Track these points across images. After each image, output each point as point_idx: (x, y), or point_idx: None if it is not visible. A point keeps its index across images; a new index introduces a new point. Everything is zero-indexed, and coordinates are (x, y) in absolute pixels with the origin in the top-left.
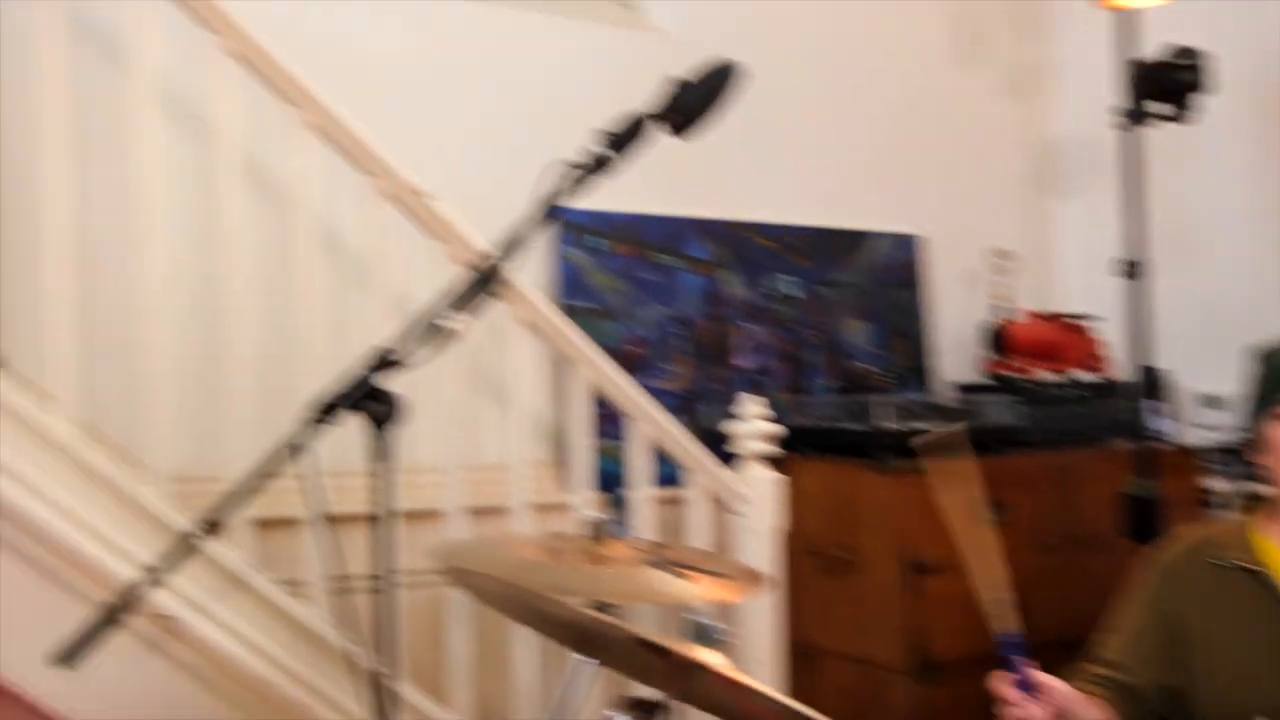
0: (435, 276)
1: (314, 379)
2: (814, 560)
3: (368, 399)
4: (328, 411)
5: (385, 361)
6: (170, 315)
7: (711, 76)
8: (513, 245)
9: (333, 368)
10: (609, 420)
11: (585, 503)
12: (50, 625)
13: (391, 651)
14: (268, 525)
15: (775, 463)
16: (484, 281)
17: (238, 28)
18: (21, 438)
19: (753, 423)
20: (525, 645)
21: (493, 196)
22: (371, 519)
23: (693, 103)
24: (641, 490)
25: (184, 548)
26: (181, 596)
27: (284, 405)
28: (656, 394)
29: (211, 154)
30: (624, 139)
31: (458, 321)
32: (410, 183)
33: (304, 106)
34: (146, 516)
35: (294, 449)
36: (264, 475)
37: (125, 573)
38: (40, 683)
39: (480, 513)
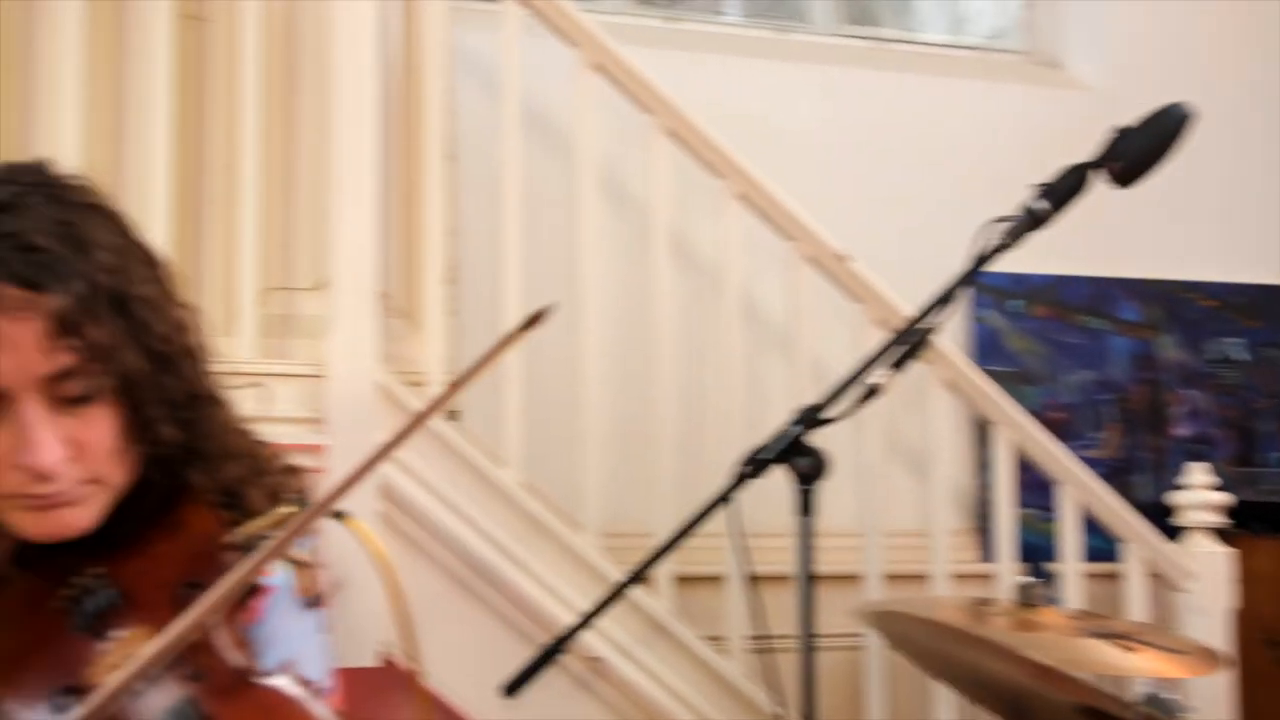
0: (848, 339)
1: (731, 442)
2: (1270, 650)
3: (795, 453)
4: (756, 464)
5: (812, 417)
6: (603, 380)
7: (1158, 120)
8: (940, 304)
9: (749, 432)
10: (1030, 489)
11: (1009, 571)
12: (495, 659)
13: (812, 711)
14: (691, 581)
15: (1223, 538)
16: (909, 340)
17: (671, 106)
18: (475, 487)
19: (1200, 493)
20: (945, 708)
21: (903, 261)
22: (795, 578)
23: (1138, 149)
24: (1070, 562)
25: (615, 596)
26: (610, 641)
27: (703, 466)
28: (1083, 463)
29: (641, 227)
30: (1062, 191)
31: (883, 378)
32: (832, 246)
33: (730, 177)
34: (582, 565)
35: (722, 501)
36: (691, 528)
37: (561, 616)
38: (486, 710)
39: (896, 579)
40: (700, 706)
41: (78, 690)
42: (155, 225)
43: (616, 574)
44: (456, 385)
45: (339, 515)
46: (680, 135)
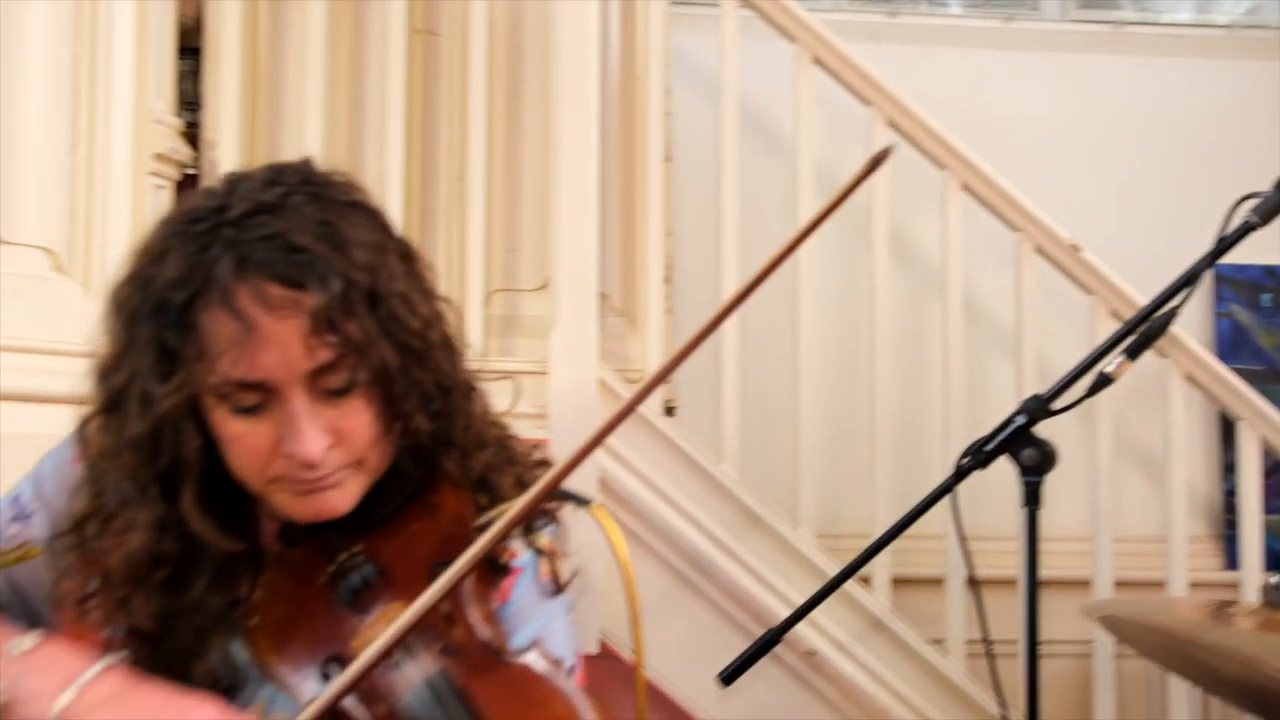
0: (1075, 336)
1: (950, 441)
2: None
3: (1020, 444)
4: (979, 455)
5: (1039, 407)
6: (819, 376)
7: None
8: (1181, 287)
9: (969, 431)
10: (1274, 495)
11: (1255, 578)
12: (711, 651)
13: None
14: (909, 583)
15: None
16: (1146, 327)
17: (892, 96)
18: (692, 481)
19: None
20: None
21: (1136, 253)
22: (1020, 581)
23: None
24: None
25: (833, 588)
26: (827, 636)
27: (921, 467)
28: None
29: (859, 221)
30: None
31: (1116, 366)
32: (1063, 236)
33: (953, 166)
34: (799, 560)
35: (944, 494)
36: (912, 520)
37: (778, 610)
38: (702, 701)
39: (1127, 586)
40: (918, 704)
41: (342, 660)
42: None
43: (834, 570)
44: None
45: (585, 503)
46: (901, 126)
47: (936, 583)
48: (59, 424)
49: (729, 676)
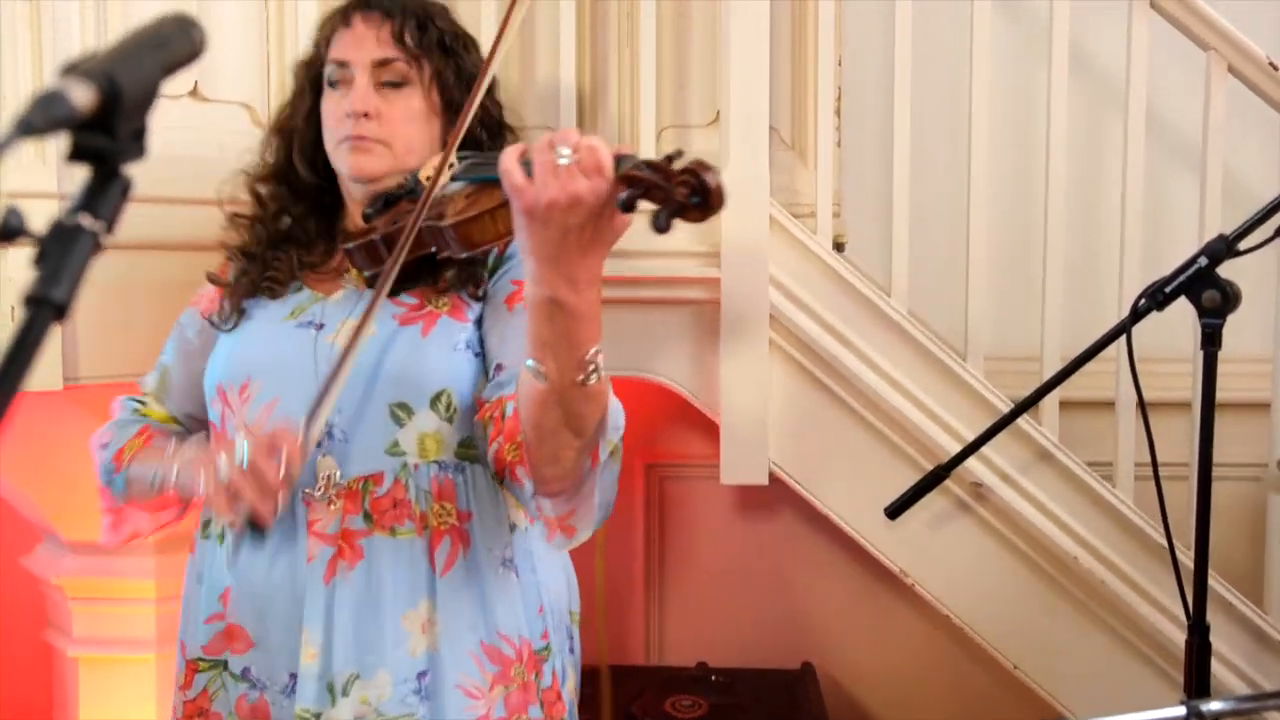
0: (1266, 162)
1: (1127, 267)
2: None
3: (1202, 285)
4: (1157, 298)
5: (1224, 249)
6: (990, 200)
7: None
8: None
9: (1147, 256)
10: None
11: None
12: (880, 483)
13: (1204, 544)
14: (1077, 406)
15: None
16: None
17: None
18: (862, 317)
19: None
20: None
21: None
22: (1194, 406)
23: None
24: None
25: (1001, 426)
26: (992, 466)
27: (1093, 291)
28: None
29: (1036, 33)
30: None
31: None
32: (1259, 54)
33: None
34: (968, 393)
35: (1119, 335)
36: (1084, 361)
37: (946, 442)
38: (870, 530)
39: None
40: (1084, 534)
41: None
42: (565, 67)
43: (1001, 402)
44: None
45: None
46: (1163, 6)
47: (1106, 406)
48: None
49: (896, 510)
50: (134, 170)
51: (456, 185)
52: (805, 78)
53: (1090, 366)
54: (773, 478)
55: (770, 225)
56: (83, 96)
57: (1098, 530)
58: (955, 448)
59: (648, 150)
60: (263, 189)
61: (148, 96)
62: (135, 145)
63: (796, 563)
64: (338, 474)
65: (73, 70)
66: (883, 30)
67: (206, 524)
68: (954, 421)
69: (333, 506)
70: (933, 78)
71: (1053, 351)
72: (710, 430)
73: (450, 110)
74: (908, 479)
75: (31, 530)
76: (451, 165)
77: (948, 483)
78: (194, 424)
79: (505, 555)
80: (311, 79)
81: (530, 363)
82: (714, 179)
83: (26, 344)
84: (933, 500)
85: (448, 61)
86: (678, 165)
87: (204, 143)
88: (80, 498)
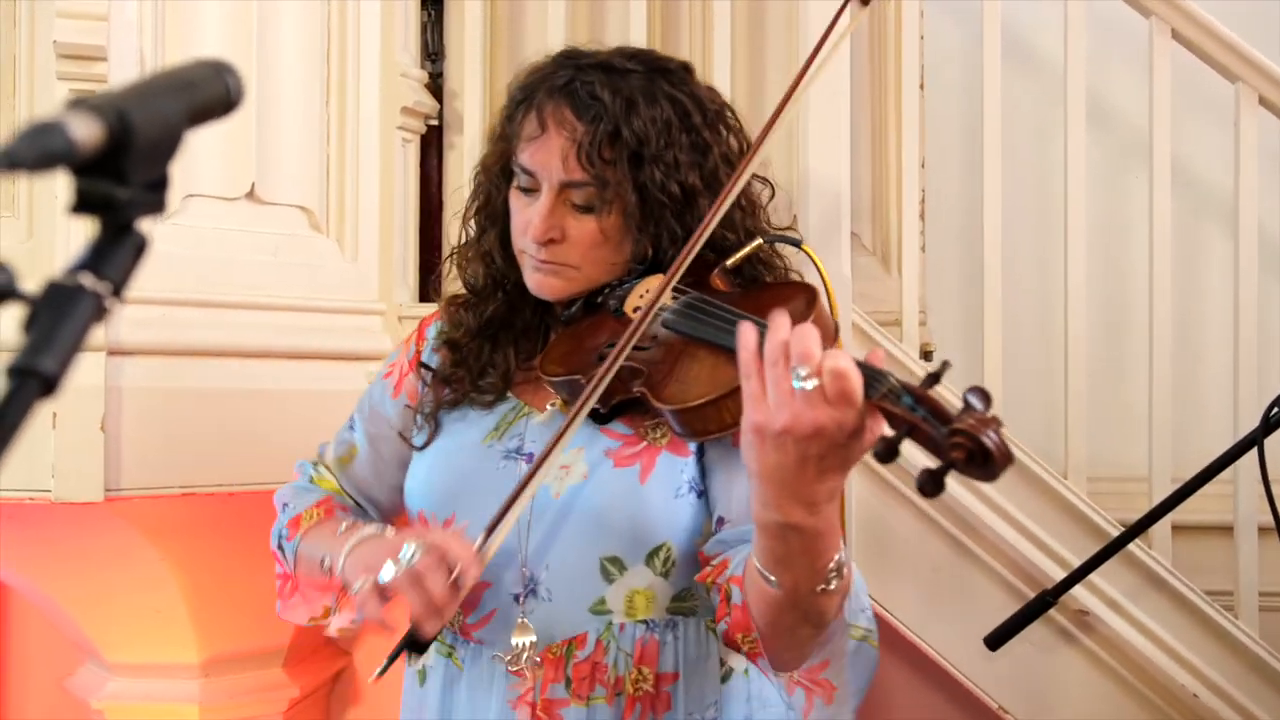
0: None
1: (1233, 373)
2: None
3: None
4: None
5: None
6: (1084, 310)
7: None
8: None
9: (1255, 361)
10: None
11: None
12: (976, 609)
13: None
14: (1189, 530)
15: None
16: None
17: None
18: None
19: None
20: None
21: None
22: None
23: None
24: None
25: (1113, 550)
26: (1099, 594)
27: (1196, 402)
28: None
29: (1129, 144)
30: None
31: None
32: None
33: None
34: (1070, 512)
35: (1249, 447)
36: (1211, 475)
37: (1045, 565)
38: (965, 661)
39: None
40: (1202, 668)
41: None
42: None
43: (1107, 523)
44: None
45: (797, 243)
46: (1186, 37)
47: (1222, 530)
48: (315, 379)
49: (996, 639)
50: (184, 273)
51: (666, 333)
52: (887, 180)
53: (1207, 488)
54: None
55: (853, 332)
56: (86, 131)
57: (1218, 664)
58: (1057, 572)
59: None
60: (473, 272)
61: (169, 142)
62: (152, 197)
63: (877, 698)
64: (535, 641)
65: (78, 104)
66: (965, 132)
67: (422, 671)
68: (1055, 544)
69: (536, 673)
70: (1018, 179)
71: (1161, 470)
72: None
73: (651, 214)
74: (1004, 606)
75: (74, 652)
76: (663, 307)
77: (1051, 611)
78: (370, 508)
79: (707, 716)
80: (496, 162)
81: (761, 569)
82: (994, 441)
83: (6, 423)
84: (1035, 630)
85: (646, 172)
86: (945, 404)
87: (259, 246)
88: (123, 615)
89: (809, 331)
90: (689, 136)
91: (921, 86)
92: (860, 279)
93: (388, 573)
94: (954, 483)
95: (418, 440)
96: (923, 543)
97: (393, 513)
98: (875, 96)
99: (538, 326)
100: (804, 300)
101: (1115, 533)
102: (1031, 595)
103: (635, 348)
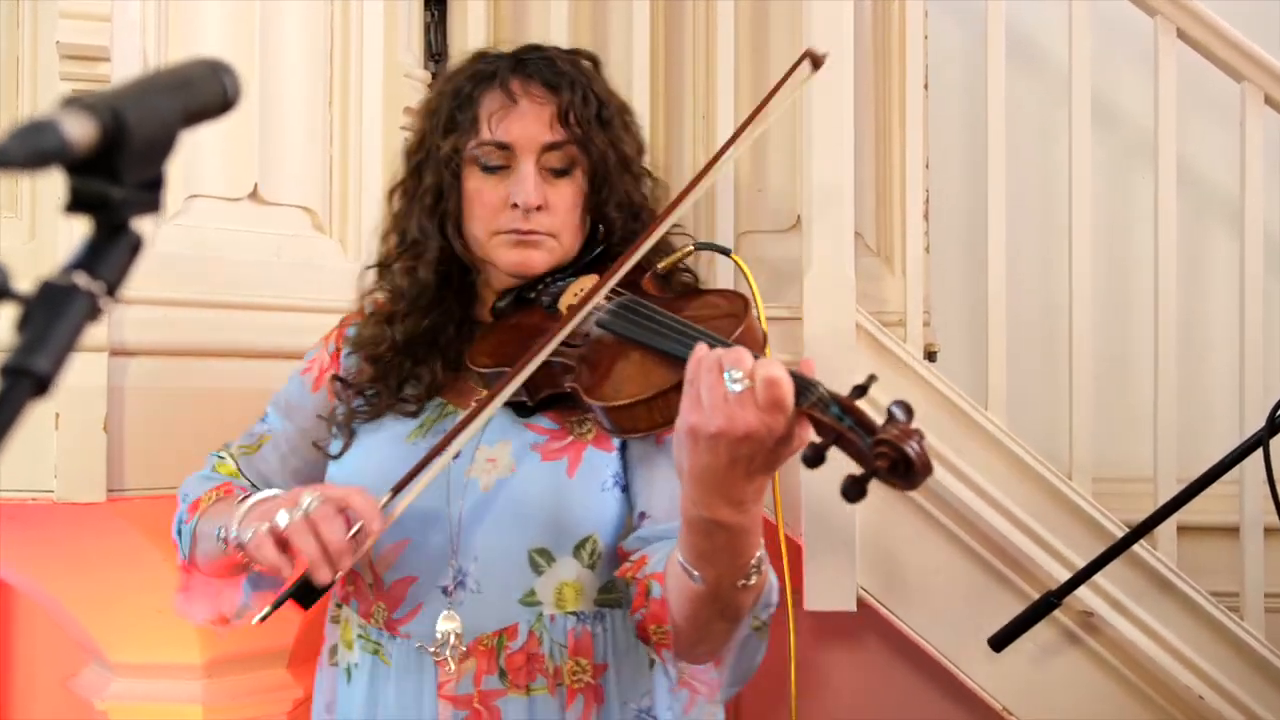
0: None
1: (1238, 374)
2: None
3: None
4: None
5: None
6: (1088, 310)
7: None
8: None
9: (1262, 362)
10: None
11: None
12: (979, 609)
13: None
14: (1195, 531)
15: None
16: None
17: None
18: (958, 431)
19: None
20: None
21: None
22: None
23: None
24: None
25: (1118, 551)
26: (1104, 595)
27: (1201, 402)
28: None
29: (1133, 142)
30: None
31: None
32: None
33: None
34: (1075, 513)
35: (1254, 449)
36: (1216, 475)
37: (1050, 566)
38: (968, 661)
39: None
40: (1207, 670)
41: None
42: None
43: (1113, 524)
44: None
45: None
46: (1191, 36)
47: (1228, 531)
48: None
49: (1001, 640)
50: (186, 273)
51: (600, 331)
52: (890, 180)
53: (1213, 488)
54: (860, 604)
55: (857, 333)
56: (79, 130)
57: (1223, 666)
58: (1061, 573)
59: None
60: (402, 281)
61: (164, 141)
62: (147, 197)
63: (884, 698)
64: (460, 631)
65: (73, 103)
66: (969, 132)
67: (333, 649)
68: (1059, 545)
69: (465, 664)
70: (1023, 180)
71: (1167, 471)
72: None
73: (608, 179)
74: (1008, 607)
75: (78, 653)
76: (598, 307)
77: (1055, 612)
78: None
79: (642, 705)
80: (451, 153)
81: (685, 564)
82: (916, 450)
83: None
84: (1039, 631)
85: (607, 138)
86: (870, 414)
87: (262, 246)
88: (126, 616)
89: (740, 348)
90: (622, 114)
91: (925, 86)
92: (864, 279)
93: (283, 518)
94: (958, 483)
95: (333, 448)
96: (926, 544)
97: None
98: (879, 97)
99: (463, 335)
100: (737, 308)
101: (1120, 533)
102: (1036, 596)
103: (566, 344)
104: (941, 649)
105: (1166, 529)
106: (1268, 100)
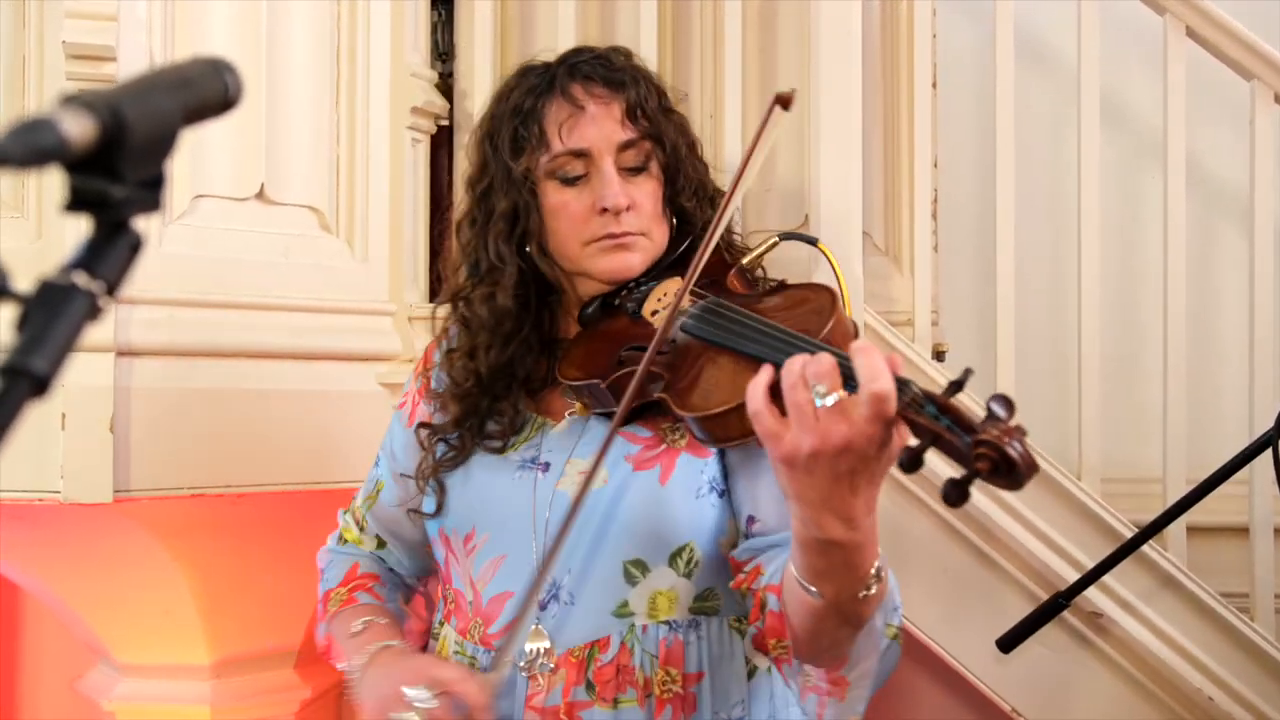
0: None
1: (1247, 373)
2: None
3: None
4: None
5: None
6: (1097, 310)
7: None
8: None
9: (1263, 363)
10: None
11: None
12: (986, 612)
13: None
14: (1205, 532)
15: None
16: None
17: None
18: None
19: None
20: None
21: None
22: None
23: None
24: None
25: (1127, 551)
26: (1113, 595)
27: (1210, 401)
28: None
29: (1143, 142)
30: None
31: None
32: None
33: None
34: (1084, 514)
35: (1264, 448)
36: (1226, 476)
37: (1058, 567)
38: (977, 663)
39: None
40: (1217, 671)
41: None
42: None
43: (1122, 525)
44: None
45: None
46: (1201, 34)
47: (1237, 531)
48: (325, 380)
49: (1009, 642)
50: (192, 273)
51: (685, 337)
52: (899, 180)
53: (1222, 488)
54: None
55: (865, 333)
56: (78, 128)
57: (1232, 667)
58: (1070, 574)
59: None
60: (481, 310)
61: (164, 140)
62: (148, 195)
63: (890, 700)
64: (549, 647)
65: (72, 100)
66: (977, 131)
67: None
68: (1068, 546)
69: (554, 676)
70: (1031, 179)
71: (1176, 471)
72: None
73: (680, 167)
74: (1017, 608)
75: (85, 653)
76: (682, 311)
77: (1064, 613)
78: (400, 548)
79: (734, 715)
80: (525, 172)
81: (801, 581)
82: (1020, 450)
83: None
84: (1047, 632)
85: (674, 126)
86: (968, 413)
87: (269, 247)
88: (133, 616)
89: (822, 358)
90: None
91: (934, 86)
92: (872, 279)
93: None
94: None
95: (427, 506)
96: (935, 544)
97: (420, 545)
98: (887, 96)
99: (545, 360)
100: (824, 302)
101: (1129, 534)
102: (1045, 597)
103: (658, 366)
104: (950, 650)
105: (1176, 529)
106: (1277, 98)
